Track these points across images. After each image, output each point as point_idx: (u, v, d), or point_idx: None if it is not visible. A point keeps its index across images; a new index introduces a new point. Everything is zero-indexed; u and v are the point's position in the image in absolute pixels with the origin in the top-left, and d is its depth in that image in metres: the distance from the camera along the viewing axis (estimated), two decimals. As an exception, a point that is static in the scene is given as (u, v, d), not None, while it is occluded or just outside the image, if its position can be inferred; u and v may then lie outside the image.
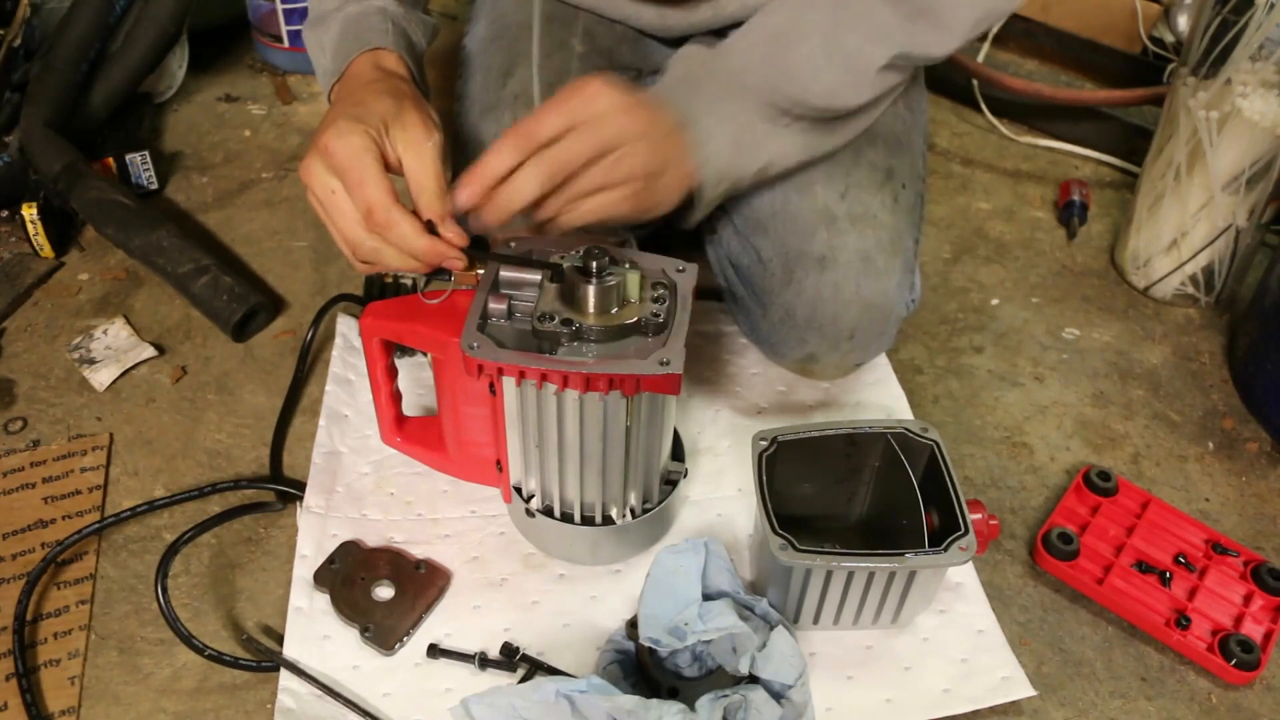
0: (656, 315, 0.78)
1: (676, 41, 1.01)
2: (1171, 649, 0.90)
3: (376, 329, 0.88)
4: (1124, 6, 1.58)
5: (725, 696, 0.76)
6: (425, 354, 1.06)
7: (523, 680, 0.83)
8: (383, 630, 0.85)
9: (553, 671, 0.83)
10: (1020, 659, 0.87)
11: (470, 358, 0.76)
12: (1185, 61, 1.17)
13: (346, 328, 1.12)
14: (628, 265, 0.80)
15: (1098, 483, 1.00)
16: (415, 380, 1.07)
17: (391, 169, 0.75)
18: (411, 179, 0.75)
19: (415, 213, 0.75)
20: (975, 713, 0.83)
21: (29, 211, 1.18)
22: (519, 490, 0.90)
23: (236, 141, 1.44)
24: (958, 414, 1.10)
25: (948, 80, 1.58)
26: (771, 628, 0.81)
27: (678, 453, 0.94)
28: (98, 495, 0.97)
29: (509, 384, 0.80)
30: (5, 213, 1.26)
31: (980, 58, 1.62)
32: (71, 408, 1.06)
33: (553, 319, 0.77)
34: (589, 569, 0.92)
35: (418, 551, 0.92)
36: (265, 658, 0.84)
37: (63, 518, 0.95)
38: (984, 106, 1.55)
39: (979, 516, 0.85)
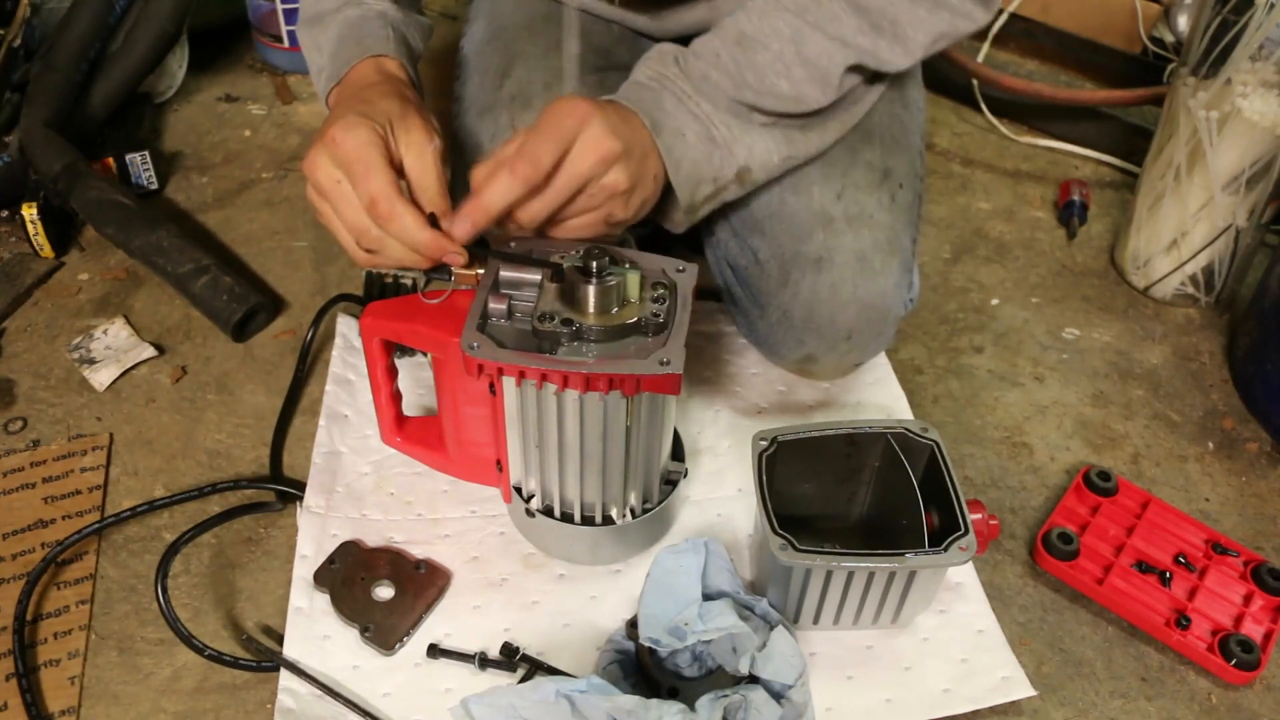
0: (656, 315, 0.78)
1: (673, 41, 1.01)
2: (1171, 649, 0.90)
3: (376, 329, 0.88)
4: (1124, 6, 1.58)
5: (725, 696, 0.76)
6: (425, 354, 1.06)
7: (523, 680, 0.83)
8: (383, 630, 0.85)
9: (553, 671, 0.83)
10: (1020, 659, 0.87)
11: (470, 358, 0.76)
12: (1185, 61, 1.17)
13: (346, 328, 1.12)
14: (628, 265, 0.80)
15: (1098, 483, 1.00)
16: (415, 380, 1.07)
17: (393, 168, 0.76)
18: (414, 179, 0.77)
19: (418, 206, 0.77)
20: (975, 713, 0.83)
21: (29, 211, 1.18)
22: (519, 490, 0.90)
23: (236, 141, 1.44)
24: (958, 414, 1.10)
25: (948, 80, 1.58)
26: (771, 628, 0.81)
27: (678, 453, 0.94)
28: (98, 495, 0.97)
29: (509, 384, 0.80)
30: (5, 213, 1.26)
31: (980, 58, 1.62)
32: (71, 408, 1.06)
33: (553, 319, 0.77)
34: (589, 569, 0.92)
35: (418, 551, 0.92)
36: (265, 658, 0.84)
37: (63, 518, 0.95)
38: (984, 106, 1.55)
39: (979, 516, 0.85)
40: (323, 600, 0.88)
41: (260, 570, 0.92)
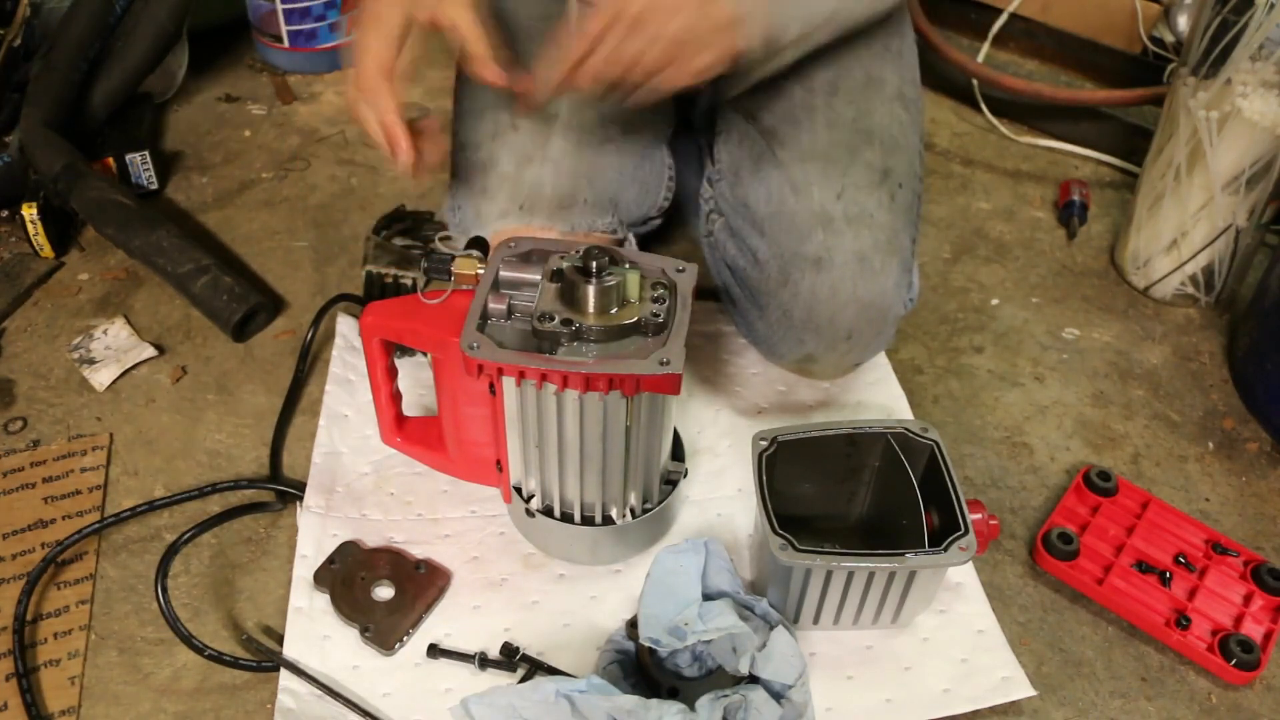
0: (656, 315, 0.78)
1: None
2: (1171, 649, 0.90)
3: (376, 329, 0.88)
4: (1124, 6, 1.58)
5: (725, 696, 0.76)
6: (425, 354, 1.06)
7: (523, 680, 0.83)
8: (383, 630, 0.85)
9: (553, 671, 0.83)
10: (1020, 659, 0.87)
11: (470, 358, 0.76)
12: (1185, 61, 1.17)
13: (346, 328, 1.12)
14: (627, 265, 0.80)
15: (1098, 483, 1.00)
16: (415, 380, 1.07)
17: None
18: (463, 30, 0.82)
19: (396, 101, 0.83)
20: (975, 713, 0.83)
21: (29, 211, 1.18)
22: (519, 490, 0.90)
23: (236, 141, 1.44)
24: (958, 414, 1.10)
25: (948, 80, 1.58)
26: (771, 628, 0.81)
27: (678, 453, 0.94)
28: (98, 495, 0.97)
29: (509, 384, 0.80)
30: (5, 213, 1.26)
31: (980, 58, 1.62)
32: (71, 408, 1.06)
33: (553, 319, 0.77)
34: (589, 569, 0.92)
35: (418, 551, 0.92)
36: (265, 658, 0.84)
37: (63, 518, 0.95)
38: (984, 106, 1.55)
39: (979, 516, 0.85)
40: (323, 600, 0.88)
41: (260, 570, 0.92)
